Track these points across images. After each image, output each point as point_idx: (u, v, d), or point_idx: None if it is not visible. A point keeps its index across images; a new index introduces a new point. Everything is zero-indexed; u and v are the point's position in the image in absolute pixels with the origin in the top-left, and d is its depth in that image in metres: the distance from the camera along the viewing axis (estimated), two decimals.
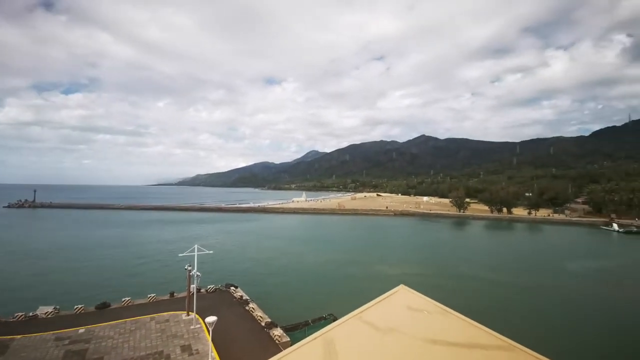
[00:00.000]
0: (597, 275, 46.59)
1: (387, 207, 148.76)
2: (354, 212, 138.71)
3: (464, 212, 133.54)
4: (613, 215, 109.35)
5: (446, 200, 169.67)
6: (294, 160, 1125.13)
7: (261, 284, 39.49)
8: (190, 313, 25.38)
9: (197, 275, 24.58)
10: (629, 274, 47.60)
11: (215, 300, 29.88)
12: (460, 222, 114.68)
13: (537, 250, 65.58)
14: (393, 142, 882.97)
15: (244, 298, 30.20)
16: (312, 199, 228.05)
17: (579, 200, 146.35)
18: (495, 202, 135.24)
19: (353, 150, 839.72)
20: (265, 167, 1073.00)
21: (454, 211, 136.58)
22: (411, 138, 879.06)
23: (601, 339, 26.74)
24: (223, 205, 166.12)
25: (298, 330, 25.43)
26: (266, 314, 26.42)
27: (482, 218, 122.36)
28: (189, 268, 25.15)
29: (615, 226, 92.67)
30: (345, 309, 4.56)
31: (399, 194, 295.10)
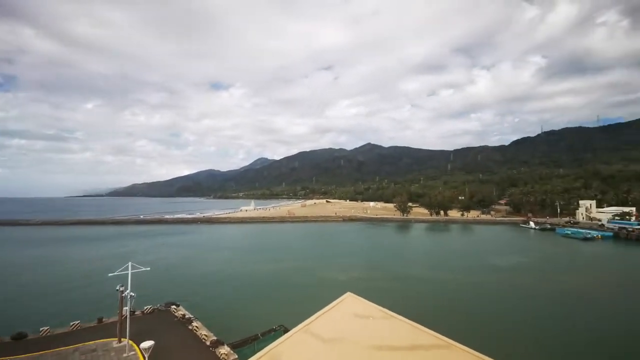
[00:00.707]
0: (520, 268, 52.72)
1: (336, 213, 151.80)
2: (304, 220, 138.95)
3: (407, 215, 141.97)
4: (530, 215, 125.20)
5: (391, 205, 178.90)
6: (242, 168, 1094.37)
7: (206, 300, 37.20)
8: (122, 339, 22.75)
9: (131, 296, 22.20)
10: (545, 266, 54.68)
11: (153, 322, 27.29)
12: (403, 225, 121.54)
13: (469, 249, 72.17)
14: (341, 150, 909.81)
15: (186, 317, 28.07)
16: (261, 207, 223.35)
17: (502, 201, 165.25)
18: (433, 206, 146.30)
19: (302, 157, 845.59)
20: (211, 175, 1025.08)
21: (398, 215, 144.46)
22: (358, 146, 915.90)
23: (526, 326, 30.10)
24: (164, 216, 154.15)
25: (247, 346, 24.29)
26: (212, 332, 24.84)
27: (423, 221, 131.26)
28: (121, 288, 22.62)
29: (532, 224, 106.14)
30: (295, 319, 4.43)
31: (347, 200, 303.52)
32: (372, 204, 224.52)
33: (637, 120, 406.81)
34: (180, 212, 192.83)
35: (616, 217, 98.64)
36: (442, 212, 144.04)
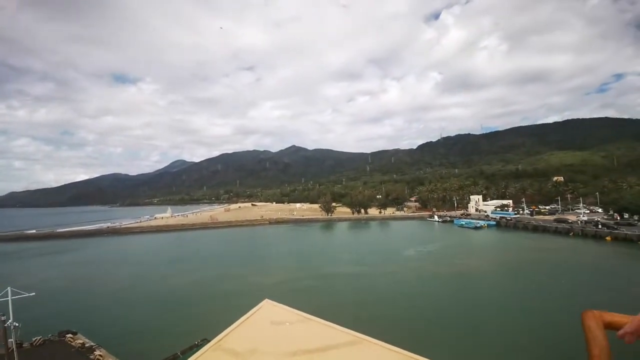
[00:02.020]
0: (426, 256, 59.79)
1: (262, 217, 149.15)
2: (228, 225, 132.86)
3: (331, 215, 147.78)
4: (434, 209, 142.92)
5: (316, 206, 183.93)
6: (156, 171, 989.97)
7: (112, 323, 32.59)
8: None
9: (15, 326, 18.25)
10: (447, 252, 63.09)
11: (45, 354, 22.96)
12: (328, 224, 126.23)
13: (385, 242, 78.97)
14: (266, 152, 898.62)
15: (86, 345, 24.27)
16: (180, 214, 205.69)
17: (412, 199, 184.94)
18: (355, 205, 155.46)
19: (225, 159, 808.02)
20: (117, 179, 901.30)
21: (322, 215, 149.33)
22: (283, 148, 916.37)
23: (432, 307, 34.21)
24: (55, 230, 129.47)
25: None
26: (119, 359, 21.97)
27: (346, 219, 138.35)
28: (3, 318, 18.39)
29: (436, 217, 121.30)
30: (218, 330, 4.20)
31: (274, 203, 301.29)
32: (298, 205, 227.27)
33: (510, 128, 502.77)
34: (78, 223, 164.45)
35: (497, 209, 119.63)
36: (362, 211, 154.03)
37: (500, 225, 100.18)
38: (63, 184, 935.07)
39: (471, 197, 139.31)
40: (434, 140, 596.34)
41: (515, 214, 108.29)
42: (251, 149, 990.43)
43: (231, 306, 34.05)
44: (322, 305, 30.40)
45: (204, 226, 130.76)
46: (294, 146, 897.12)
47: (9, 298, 18.80)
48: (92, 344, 24.49)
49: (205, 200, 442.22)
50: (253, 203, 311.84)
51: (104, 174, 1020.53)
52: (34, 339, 24.75)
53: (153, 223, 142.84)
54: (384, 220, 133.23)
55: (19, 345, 17.40)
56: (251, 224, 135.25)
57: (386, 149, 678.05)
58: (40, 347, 24.32)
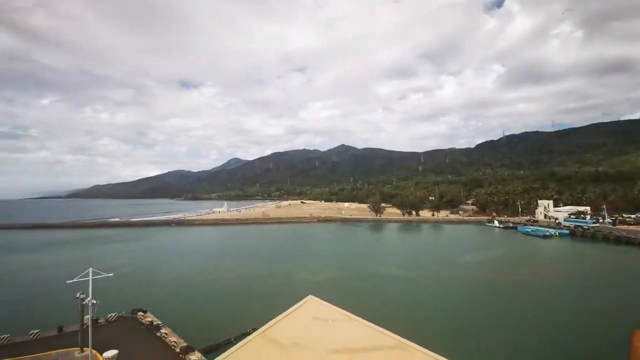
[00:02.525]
0: (484, 263, 55.51)
1: (311, 214, 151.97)
2: (279, 221, 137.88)
3: (380, 216, 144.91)
4: (494, 214, 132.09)
5: (365, 206, 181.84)
6: (214, 169, 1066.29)
7: (176, 305, 35.97)
8: (85, 349, 21.54)
9: (93, 303, 21.05)
10: (508, 261, 57.96)
11: (118, 330, 26.11)
12: (377, 225, 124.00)
13: (438, 247, 75.00)
14: (315, 151, 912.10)
15: (154, 323, 27.07)
16: (235, 208, 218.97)
17: (469, 202, 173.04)
18: (405, 206, 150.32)
19: (277, 158, 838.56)
20: (181, 176, 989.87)
21: (371, 215, 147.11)
22: (332, 147, 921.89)
23: (489, 320, 31.76)
24: (130, 219, 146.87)
25: (219, 351, 23.81)
26: (182, 338, 24.15)
27: (396, 220, 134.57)
28: (82, 296, 21.42)
29: (496, 222, 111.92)
30: (265, 320, 4.44)
31: (322, 201, 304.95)
32: (346, 204, 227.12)
33: (588, 125, 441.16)
34: (148, 214, 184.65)
35: (572, 216, 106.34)
36: (413, 212, 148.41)
37: (575, 234, 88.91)
38: (138, 178, 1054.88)
39: (539, 201, 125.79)
40: (495, 138, 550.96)
41: (594, 223, 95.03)
42: (301, 148, 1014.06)
43: (278, 299, 35.37)
44: (367, 307, 30.05)
45: (256, 221, 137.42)
46: (343, 145, 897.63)
47: (90, 278, 21.73)
48: (159, 322, 27.29)
49: (258, 197, 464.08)
50: (302, 201, 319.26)
51: (170, 170, 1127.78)
52: (108, 315, 28.33)
53: (211, 217, 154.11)
54: (437, 223, 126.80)
55: (95, 321, 20.03)
56: (300, 221, 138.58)
57: (440, 148, 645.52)
58: (114, 323, 27.77)
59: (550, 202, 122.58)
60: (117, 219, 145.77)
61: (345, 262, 59.06)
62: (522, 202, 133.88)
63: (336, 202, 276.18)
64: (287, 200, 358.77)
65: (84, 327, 21.61)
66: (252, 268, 54.30)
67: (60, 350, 22.30)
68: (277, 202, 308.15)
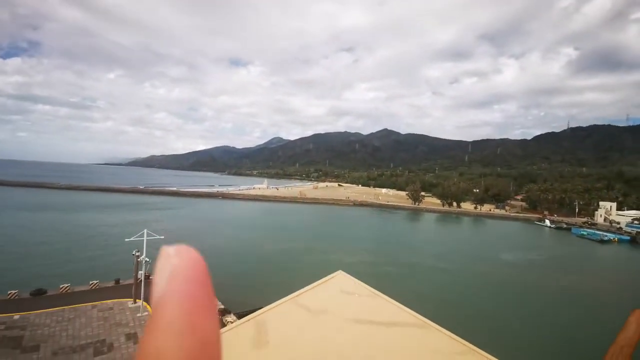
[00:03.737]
0: (527, 264, 52.22)
1: (347, 198, 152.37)
2: (315, 201, 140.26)
3: (418, 204, 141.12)
4: (546, 212, 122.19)
5: (403, 193, 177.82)
6: (257, 146, 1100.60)
7: (216, 270, 38.79)
8: (137, 300, 24.38)
9: (146, 261, 23.56)
10: (555, 264, 53.93)
11: None
12: (414, 214, 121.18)
13: (477, 241, 71.67)
14: (357, 134, 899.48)
15: None
16: (274, 186, 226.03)
17: (518, 197, 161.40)
18: (446, 197, 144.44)
19: (317, 139, 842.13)
20: (226, 151, 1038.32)
21: (409, 203, 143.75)
22: (374, 131, 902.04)
23: (518, 322, 30.28)
24: (179, 188, 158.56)
25: None
26: (219, 301, 26.21)
27: (434, 211, 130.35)
28: (137, 254, 24.01)
29: (547, 222, 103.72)
30: (296, 290, 4.76)
31: (360, 185, 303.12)
32: (384, 190, 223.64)
33: None
34: (195, 185, 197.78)
35: (635, 222, 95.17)
36: (454, 204, 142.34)
37: (636, 241, 79.90)
38: (187, 151, 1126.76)
39: (601, 203, 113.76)
40: (557, 130, 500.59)
41: None
42: (342, 130, 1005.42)
43: (310, 274, 36.55)
44: (395, 291, 30.04)
45: (293, 200, 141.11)
46: (385, 129, 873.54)
47: (144, 238, 24.24)
48: None
49: (297, 176, 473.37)
50: (340, 183, 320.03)
51: (216, 145, 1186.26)
52: None
53: (252, 192, 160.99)
54: (479, 217, 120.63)
55: (147, 277, 22.52)
56: (336, 203, 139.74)
57: (491, 137, 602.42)
58: None
59: (614, 205, 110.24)
60: (173, 188, 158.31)
61: (378, 247, 59.01)
62: (581, 203, 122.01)
63: (374, 187, 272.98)
64: (324, 181, 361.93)
65: (138, 281, 24.35)
66: (287, 243, 56.46)
67: (116, 300, 25.41)
68: (314, 183, 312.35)
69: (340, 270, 4.41)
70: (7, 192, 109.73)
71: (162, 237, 26.76)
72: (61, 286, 26.80)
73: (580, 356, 24.32)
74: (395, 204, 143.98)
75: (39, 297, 25.22)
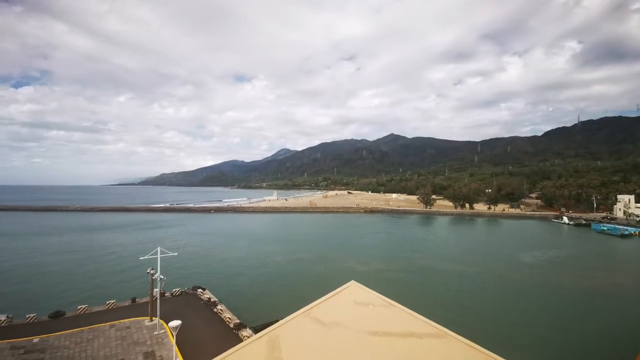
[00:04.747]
0: (547, 264, 50.60)
1: (358, 205, 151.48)
2: (326, 210, 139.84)
3: (430, 208, 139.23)
4: (563, 209, 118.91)
5: (414, 197, 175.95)
6: (265, 159, 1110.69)
7: (230, 284, 38.80)
8: (153, 318, 24.44)
9: (161, 279, 23.71)
10: (577, 262, 52.14)
11: (181, 303, 28.99)
12: (426, 217, 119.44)
13: (493, 243, 70.00)
14: (363, 141, 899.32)
15: (211, 300, 29.58)
16: (284, 197, 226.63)
17: (533, 195, 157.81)
18: (458, 198, 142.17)
19: (324, 148, 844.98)
20: (234, 165, 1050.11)
21: (421, 207, 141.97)
22: (381, 137, 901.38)
23: (541, 322, 29.17)
24: (190, 205, 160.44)
25: None
26: (235, 315, 26.11)
27: (447, 214, 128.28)
28: (152, 271, 24.20)
29: (565, 219, 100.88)
30: (309, 302, 4.69)
31: (369, 192, 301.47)
32: (394, 195, 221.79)
33: None
34: (206, 201, 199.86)
35: None
36: (467, 205, 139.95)
37: None
38: (197, 168, 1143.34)
39: (619, 196, 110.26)
40: (568, 125, 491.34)
41: None
42: (349, 137, 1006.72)
43: (323, 284, 36.19)
44: (410, 298, 29.42)
45: (304, 210, 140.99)
46: (392, 134, 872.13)
47: (158, 256, 24.42)
48: (216, 299, 29.79)
49: (306, 186, 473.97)
50: (349, 191, 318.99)
51: (225, 160, 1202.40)
52: (173, 290, 31.58)
53: (262, 204, 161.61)
54: (494, 217, 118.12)
55: (162, 295, 22.53)
56: (346, 211, 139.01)
57: (500, 136, 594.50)
58: (178, 297, 30.91)
59: (632, 198, 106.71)
60: (184, 205, 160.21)
61: (391, 253, 58.16)
62: (599, 197, 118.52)
63: (384, 193, 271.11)
64: (333, 190, 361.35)
65: (153, 299, 24.46)
66: (299, 254, 56.17)
67: (133, 318, 25.52)
68: (324, 192, 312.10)
69: (352, 281, 4.34)
70: (23, 218, 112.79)
71: (176, 253, 26.96)
72: (79, 307, 27.09)
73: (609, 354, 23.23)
74: (407, 208, 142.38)
75: (57, 319, 25.54)
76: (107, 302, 28.17)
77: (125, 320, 25.12)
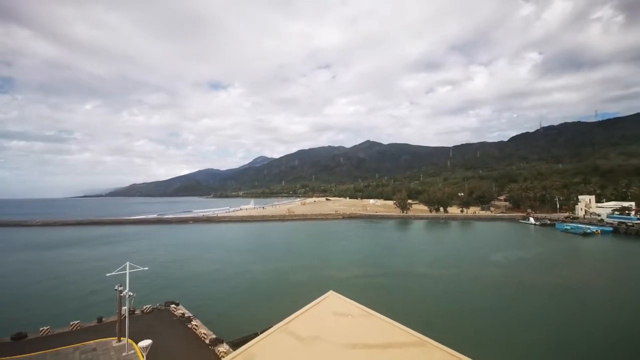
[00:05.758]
0: (517, 264, 52.85)
1: (336, 211, 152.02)
2: (304, 218, 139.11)
3: (406, 212, 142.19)
4: (529, 210, 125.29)
5: (391, 203, 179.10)
6: (242, 167, 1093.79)
7: (206, 298, 37.37)
8: (122, 339, 22.95)
9: (130, 295, 22.35)
10: (544, 261, 54.81)
11: (152, 321, 27.49)
12: (403, 222, 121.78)
13: (467, 245, 72.34)
14: (340, 148, 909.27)
15: (186, 315, 28.29)
16: (261, 205, 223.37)
17: (501, 197, 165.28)
18: (433, 203, 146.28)
19: (302, 155, 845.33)
20: (210, 174, 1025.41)
21: (397, 212, 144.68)
22: (357, 143, 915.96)
23: (517, 321, 30.32)
24: (163, 216, 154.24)
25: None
26: (211, 330, 25.08)
27: (423, 218, 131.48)
28: (120, 288, 22.78)
29: (531, 220, 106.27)
30: (287, 314, 4.49)
31: (347, 198, 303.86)
32: (371, 201, 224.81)
33: (634, 114, 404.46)
34: (180, 211, 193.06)
35: (615, 212, 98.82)
36: (441, 209, 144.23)
37: (619, 232, 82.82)
38: (170, 177, 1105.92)
39: (580, 197, 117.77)
40: (531, 130, 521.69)
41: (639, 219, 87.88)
42: (326, 145, 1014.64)
43: (302, 294, 35.68)
44: (389, 305, 29.67)
45: (282, 218, 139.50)
46: (368, 141, 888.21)
47: (127, 271, 23.04)
48: (190, 314, 28.49)
49: (284, 194, 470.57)
50: (327, 198, 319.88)
51: (200, 169, 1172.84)
52: (144, 307, 29.87)
53: (239, 214, 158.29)
54: (466, 220, 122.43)
55: (132, 312, 21.04)
56: (325, 217, 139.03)
57: (470, 142, 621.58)
58: (149, 314, 29.24)
59: (592, 198, 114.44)
60: (155, 216, 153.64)
61: (369, 259, 58.54)
62: (561, 198, 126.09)
63: (361, 198, 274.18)
64: (312, 197, 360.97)
65: (122, 317, 22.99)
66: (277, 263, 55.24)
67: (99, 340, 23.84)
68: (302, 199, 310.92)
69: (331, 291, 4.24)
70: None
71: (146, 268, 25.57)
72: (41, 329, 25.07)
73: (582, 356, 24.41)
74: (384, 213, 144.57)
75: (19, 342, 23.55)
76: (71, 323, 26.22)
77: (91, 342, 23.44)
